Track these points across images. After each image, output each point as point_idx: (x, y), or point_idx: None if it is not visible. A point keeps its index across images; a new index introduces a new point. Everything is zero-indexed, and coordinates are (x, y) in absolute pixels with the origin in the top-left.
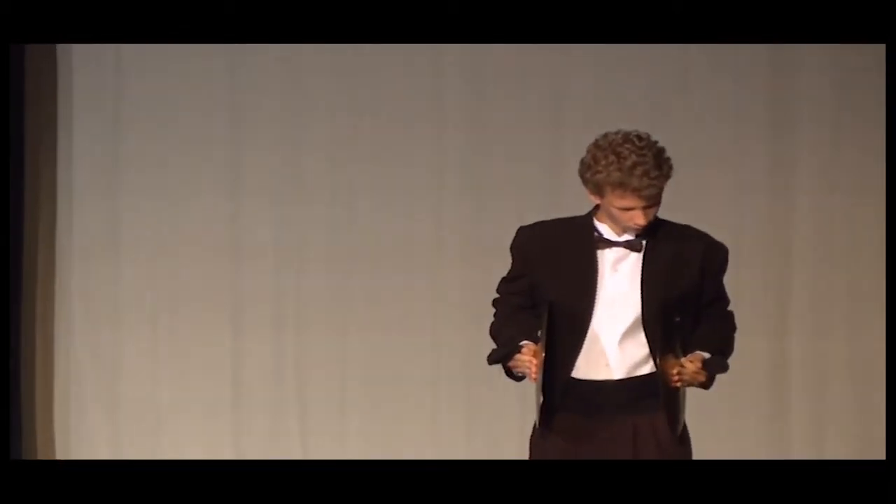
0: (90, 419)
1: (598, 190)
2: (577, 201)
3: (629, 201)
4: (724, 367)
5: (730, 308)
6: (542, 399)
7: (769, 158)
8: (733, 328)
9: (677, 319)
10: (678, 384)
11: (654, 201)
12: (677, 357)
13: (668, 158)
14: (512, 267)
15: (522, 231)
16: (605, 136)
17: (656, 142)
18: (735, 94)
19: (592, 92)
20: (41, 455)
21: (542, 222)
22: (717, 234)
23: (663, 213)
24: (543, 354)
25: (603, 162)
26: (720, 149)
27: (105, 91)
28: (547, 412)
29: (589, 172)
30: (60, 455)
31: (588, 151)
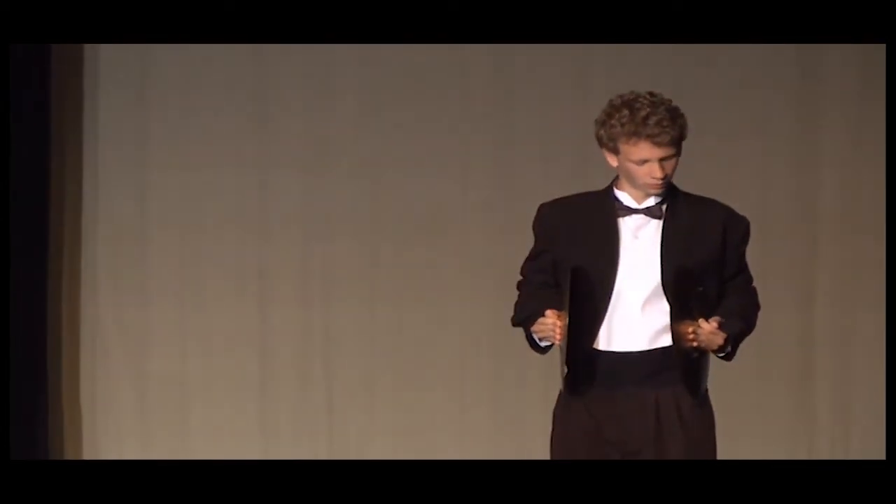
0: (117, 396)
1: (613, 145)
2: (603, 176)
3: (644, 151)
4: (742, 331)
5: (754, 285)
6: (566, 363)
7: (795, 131)
8: (756, 305)
9: (699, 289)
10: (693, 344)
11: (669, 152)
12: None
13: (683, 115)
14: (535, 244)
15: (543, 207)
16: (619, 95)
17: (670, 100)
18: (761, 68)
19: (617, 63)
20: (67, 432)
21: (563, 198)
22: (744, 209)
23: (688, 185)
24: (567, 319)
25: (616, 116)
26: (745, 123)
27: (131, 65)
28: (571, 383)
29: (603, 129)
30: (87, 431)
31: (602, 112)
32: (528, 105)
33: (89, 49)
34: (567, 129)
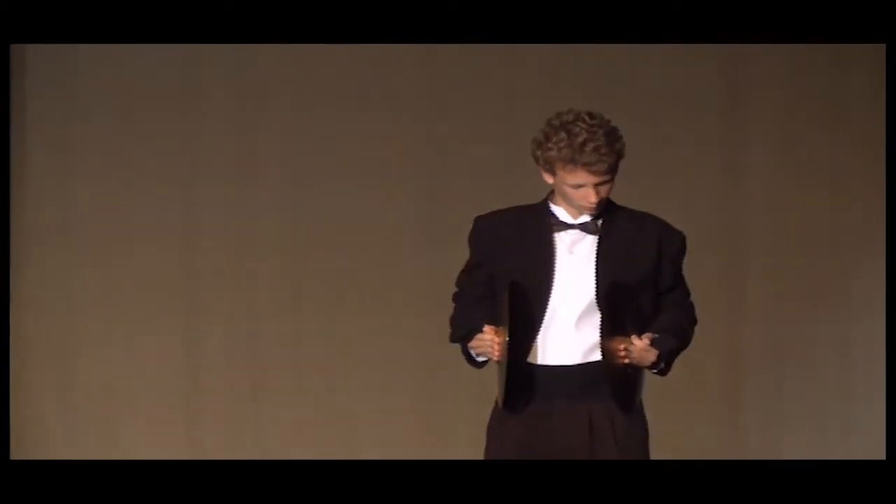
0: (44, 407)
1: (549, 167)
2: (538, 188)
3: (580, 177)
4: (674, 347)
5: (691, 299)
6: (505, 381)
7: (721, 143)
8: (691, 320)
9: (634, 304)
10: (625, 361)
11: (605, 178)
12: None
13: (621, 137)
14: (470, 257)
15: (479, 220)
16: (558, 114)
17: (609, 121)
18: (688, 80)
19: (546, 66)
20: None
21: (498, 210)
22: (673, 220)
23: (617, 195)
24: (507, 337)
25: (554, 139)
26: (671, 131)
27: (59, 74)
28: (509, 400)
29: (540, 150)
30: (14, 442)
31: (540, 130)
32: (458, 112)
33: (17, 56)
34: (498, 136)
